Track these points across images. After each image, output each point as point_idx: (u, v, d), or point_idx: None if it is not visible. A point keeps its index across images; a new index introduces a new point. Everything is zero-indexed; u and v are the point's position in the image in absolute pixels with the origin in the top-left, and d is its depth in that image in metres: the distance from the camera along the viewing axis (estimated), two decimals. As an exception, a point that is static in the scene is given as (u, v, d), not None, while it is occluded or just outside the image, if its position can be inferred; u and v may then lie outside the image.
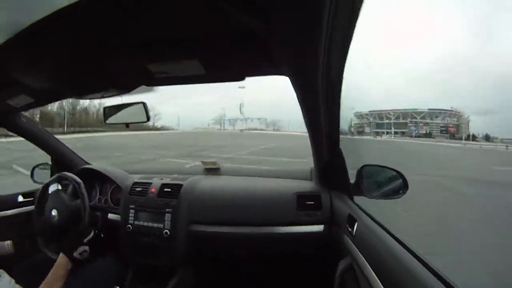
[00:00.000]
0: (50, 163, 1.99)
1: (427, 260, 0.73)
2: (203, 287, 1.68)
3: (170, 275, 1.51)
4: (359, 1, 0.52)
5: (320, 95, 0.86)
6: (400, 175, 1.28)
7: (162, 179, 1.65)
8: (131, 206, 1.56)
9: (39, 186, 1.63)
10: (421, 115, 79.17)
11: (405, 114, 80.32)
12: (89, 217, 1.45)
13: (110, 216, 1.66)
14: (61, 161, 1.95)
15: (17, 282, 1.05)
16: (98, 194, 1.78)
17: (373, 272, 0.84)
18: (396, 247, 0.84)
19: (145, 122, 1.31)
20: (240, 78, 1.00)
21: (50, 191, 1.53)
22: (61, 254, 1.27)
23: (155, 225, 1.48)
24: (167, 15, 0.65)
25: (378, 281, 0.80)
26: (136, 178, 1.70)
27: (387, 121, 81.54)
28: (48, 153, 1.94)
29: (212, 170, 1.92)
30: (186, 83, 1.06)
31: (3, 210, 1.68)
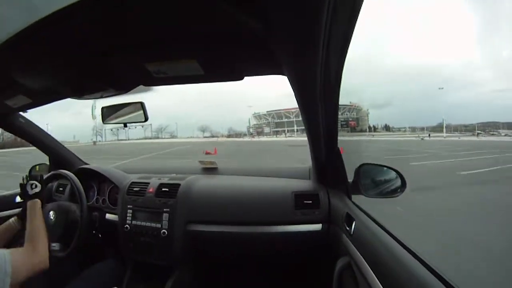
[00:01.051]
0: (48, 163, 1.98)
1: (425, 258, 0.74)
2: (201, 286, 1.68)
3: (168, 275, 1.51)
4: (358, 0, 0.52)
5: (318, 94, 0.86)
6: (398, 174, 1.28)
7: (159, 178, 1.65)
8: (128, 206, 1.55)
9: None
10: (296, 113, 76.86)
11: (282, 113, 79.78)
12: (86, 218, 1.45)
13: (108, 216, 1.66)
14: (59, 161, 1.95)
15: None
16: (96, 194, 1.78)
17: (371, 271, 0.85)
18: (394, 245, 0.84)
19: (143, 122, 1.31)
20: (239, 78, 1.00)
21: (47, 190, 1.52)
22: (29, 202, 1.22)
23: (153, 224, 1.48)
24: (165, 15, 0.65)
25: (376, 279, 0.80)
26: (134, 178, 1.70)
27: (286, 119, 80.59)
28: (46, 153, 1.93)
29: (210, 170, 1.92)
30: (184, 83, 1.07)
31: (0, 211, 1.68)
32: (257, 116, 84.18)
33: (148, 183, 1.61)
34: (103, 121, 1.39)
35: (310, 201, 1.43)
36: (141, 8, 0.61)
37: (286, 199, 1.45)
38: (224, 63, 0.92)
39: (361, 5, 0.52)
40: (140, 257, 1.54)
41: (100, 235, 1.63)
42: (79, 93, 1.19)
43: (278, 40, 0.65)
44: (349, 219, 1.14)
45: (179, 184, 1.56)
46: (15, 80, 1.00)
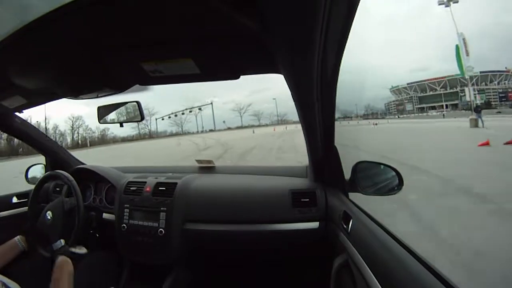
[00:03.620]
0: (45, 163, 1.98)
1: (422, 256, 0.74)
2: (198, 286, 1.68)
3: (166, 274, 1.51)
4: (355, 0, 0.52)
5: (315, 92, 0.86)
6: (395, 171, 1.28)
7: (156, 178, 1.65)
8: (125, 206, 1.55)
9: (33, 187, 1.61)
10: (473, 81, 60.49)
11: (453, 81, 65.04)
12: (83, 217, 1.45)
13: (105, 215, 1.66)
14: (56, 161, 1.95)
15: (15, 281, 1.04)
16: (92, 193, 1.78)
17: (368, 269, 0.85)
18: (392, 243, 0.85)
19: (139, 121, 1.30)
20: (235, 76, 1.00)
21: (44, 190, 1.52)
22: (60, 257, 1.23)
23: (150, 224, 1.48)
24: (161, 15, 0.65)
25: (374, 277, 0.81)
26: (131, 177, 1.70)
27: (431, 92, 67.58)
28: (42, 153, 1.93)
29: (207, 169, 1.92)
30: (180, 82, 1.06)
31: None
32: (396, 91, 71.49)
33: (145, 182, 1.61)
34: (99, 120, 1.38)
35: (307, 199, 1.43)
36: (137, 7, 0.61)
37: (283, 197, 1.45)
38: (220, 62, 0.92)
39: (358, 4, 0.52)
40: (137, 257, 1.53)
41: (97, 235, 1.62)
42: (75, 93, 1.18)
43: (274, 39, 0.65)
44: (347, 217, 1.14)
45: (176, 183, 1.56)
46: (10, 81, 0.99)
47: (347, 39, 0.62)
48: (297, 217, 1.41)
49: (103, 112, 1.37)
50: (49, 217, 1.44)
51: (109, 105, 1.35)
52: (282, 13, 0.52)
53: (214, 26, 0.72)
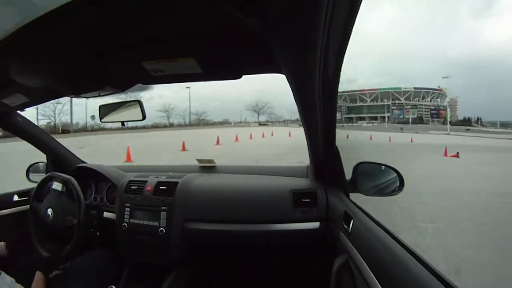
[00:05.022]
0: (46, 162, 1.98)
1: (422, 257, 0.74)
2: (199, 285, 1.68)
3: (166, 273, 1.51)
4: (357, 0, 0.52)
5: (316, 92, 0.86)
6: (396, 172, 1.28)
7: (157, 177, 1.65)
8: (126, 204, 1.55)
9: (35, 185, 1.62)
10: (406, 95, 66.34)
11: (385, 94, 67.38)
12: (84, 216, 1.45)
13: (106, 214, 1.66)
14: (57, 160, 1.95)
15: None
16: (93, 192, 1.78)
17: (369, 269, 0.85)
18: (392, 244, 0.85)
19: (140, 120, 1.31)
20: (237, 76, 1.00)
21: (46, 189, 1.52)
22: (37, 272, 1.32)
23: (151, 223, 1.48)
24: (163, 14, 0.65)
25: (374, 277, 0.81)
26: (132, 176, 1.70)
27: (361, 103, 68.53)
28: (43, 152, 1.93)
29: (208, 168, 1.92)
30: (182, 81, 1.07)
31: None
32: None
33: (146, 181, 1.61)
34: (100, 119, 1.39)
35: (308, 199, 1.43)
36: (139, 6, 0.61)
37: (284, 197, 1.45)
38: (222, 62, 0.92)
39: (360, 4, 0.52)
40: (137, 256, 1.54)
41: (98, 234, 1.63)
42: (77, 91, 1.18)
43: (276, 38, 0.65)
44: (347, 218, 1.14)
45: (177, 182, 1.56)
46: (12, 79, 0.99)
47: (349, 39, 0.62)
48: (297, 217, 1.41)
49: (104, 111, 1.37)
50: (49, 214, 1.45)
51: (111, 104, 1.36)
52: (284, 12, 0.52)
53: (215, 25, 0.72)
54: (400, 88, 67.23)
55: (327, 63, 0.70)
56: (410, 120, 63.80)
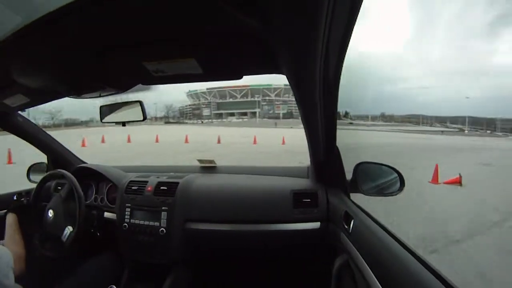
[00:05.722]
0: (47, 162, 1.98)
1: (423, 257, 0.74)
2: (199, 285, 1.68)
3: (166, 274, 1.51)
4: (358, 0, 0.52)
5: (317, 92, 0.86)
6: (397, 172, 1.29)
7: (158, 177, 1.65)
8: (127, 205, 1.56)
9: (35, 186, 1.62)
10: (276, 92, 69.14)
11: (255, 91, 69.58)
12: (84, 216, 1.45)
13: (106, 214, 1.66)
14: (57, 160, 1.95)
15: (15, 281, 1.05)
16: (94, 193, 1.78)
17: (369, 269, 0.85)
18: (392, 244, 0.85)
19: (141, 120, 1.31)
20: (238, 76, 1.00)
21: (46, 189, 1.53)
22: (8, 214, 1.40)
23: (151, 223, 1.49)
24: (164, 14, 0.65)
25: (374, 277, 0.81)
26: (132, 176, 1.70)
27: (231, 99, 69.98)
28: (44, 152, 1.93)
29: (209, 168, 1.92)
30: (183, 81, 1.07)
31: None
32: (193, 95, 73.08)
33: (147, 181, 1.61)
34: (101, 120, 1.39)
35: (309, 200, 1.43)
36: (140, 6, 0.61)
37: (285, 197, 1.45)
38: (222, 62, 0.92)
39: (361, 3, 0.52)
40: (138, 256, 1.54)
41: (98, 234, 1.63)
42: (78, 92, 1.18)
43: (277, 38, 0.65)
44: (348, 218, 1.15)
45: (177, 183, 1.56)
46: (13, 79, 0.99)
47: (350, 39, 0.62)
48: (298, 218, 1.41)
49: (105, 111, 1.38)
50: (50, 216, 1.45)
51: (112, 104, 1.36)
52: (284, 12, 0.52)
53: (216, 25, 0.72)
54: (271, 85, 69.45)
55: (327, 63, 0.71)
56: (281, 115, 66.16)
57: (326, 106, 0.98)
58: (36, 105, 1.42)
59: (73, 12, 0.58)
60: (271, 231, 1.41)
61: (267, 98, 70.29)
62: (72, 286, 1.39)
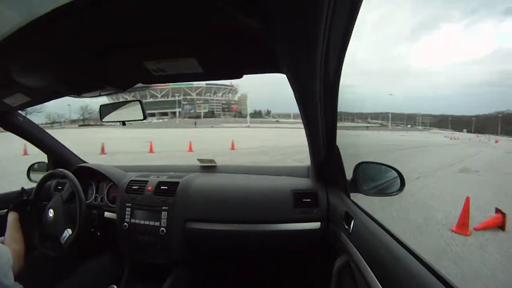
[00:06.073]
0: (47, 162, 1.98)
1: (423, 257, 0.74)
2: (199, 285, 1.68)
3: (167, 273, 1.51)
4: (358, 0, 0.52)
5: (317, 92, 0.86)
6: (397, 172, 1.28)
7: (158, 177, 1.65)
8: (127, 204, 1.56)
9: (35, 185, 1.62)
10: (198, 91, 69.12)
11: (176, 90, 69.14)
12: (84, 216, 1.45)
13: (107, 214, 1.66)
14: (58, 159, 1.95)
15: (15, 279, 1.06)
16: (94, 192, 1.78)
17: (369, 269, 0.85)
18: (393, 244, 0.85)
19: (141, 120, 1.31)
20: (238, 76, 1.00)
21: (46, 188, 1.53)
22: (10, 213, 1.40)
23: (152, 223, 1.49)
24: (165, 14, 0.64)
25: (375, 278, 0.81)
26: (133, 176, 1.70)
27: (151, 99, 68.78)
28: (44, 151, 1.93)
29: (209, 168, 1.92)
30: (183, 81, 1.06)
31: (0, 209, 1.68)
32: (113, 95, 70.68)
33: (147, 181, 1.61)
34: (101, 119, 1.39)
35: (309, 200, 1.43)
36: (140, 6, 0.61)
37: (285, 197, 1.45)
38: (223, 61, 0.92)
39: (361, 3, 0.52)
40: (138, 256, 1.54)
41: (98, 233, 1.63)
42: (78, 91, 1.18)
43: (277, 38, 0.65)
44: (348, 218, 1.14)
45: (178, 182, 1.56)
46: (13, 79, 0.99)
47: (350, 39, 0.62)
48: (298, 217, 1.41)
49: (105, 110, 1.38)
50: (51, 215, 1.45)
51: (112, 103, 1.36)
52: (284, 12, 0.52)
53: (217, 25, 0.71)
54: (192, 84, 67.97)
55: (328, 63, 0.70)
56: (202, 114, 66.02)
57: (326, 106, 0.97)
58: (36, 105, 1.43)
59: (73, 12, 0.58)
60: (271, 231, 1.41)
61: (188, 97, 69.97)
62: (72, 286, 1.39)
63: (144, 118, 1.30)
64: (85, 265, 1.51)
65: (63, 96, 1.29)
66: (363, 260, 0.91)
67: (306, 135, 1.27)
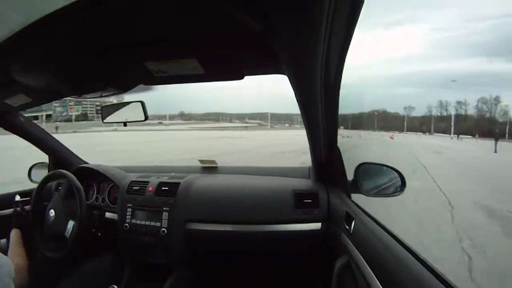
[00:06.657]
0: (48, 162, 1.98)
1: (424, 257, 0.74)
2: (200, 286, 1.68)
3: (167, 274, 1.51)
4: (359, 1, 0.52)
5: (318, 93, 0.86)
6: (398, 173, 1.28)
7: (159, 177, 1.65)
8: (128, 205, 1.56)
9: (35, 186, 1.62)
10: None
11: None
12: (85, 216, 1.45)
13: (108, 215, 1.66)
14: (59, 160, 1.95)
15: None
16: (95, 193, 1.78)
17: (370, 270, 0.85)
18: (394, 244, 0.85)
19: (143, 121, 1.31)
20: (239, 77, 1.00)
21: (47, 189, 1.53)
22: (13, 230, 1.39)
23: (152, 223, 1.49)
24: (166, 15, 0.65)
25: (375, 278, 0.81)
26: (134, 176, 1.70)
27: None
28: (45, 152, 1.93)
29: (210, 169, 1.92)
30: (185, 82, 1.07)
31: (0, 210, 1.68)
32: None
33: (148, 182, 1.61)
34: (103, 120, 1.39)
35: (310, 200, 1.43)
36: (142, 7, 0.61)
37: (286, 198, 1.45)
38: (224, 62, 0.92)
39: (362, 4, 0.52)
40: (139, 256, 1.54)
41: (99, 234, 1.63)
42: (79, 92, 1.19)
43: (278, 39, 0.65)
44: (349, 218, 1.14)
45: (179, 183, 1.56)
46: (15, 79, 0.99)
47: (351, 39, 0.62)
48: (299, 218, 1.41)
49: (107, 111, 1.38)
50: (52, 215, 1.45)
51: (113, 104, 1.36)
52: (285, 13, 0.52)
53: (218, 26, 0.72)
54: None
55: (328, 64, 0.70)
56: (73, 117, 62.97)
57: (327, 107, 0.98)
58: (37, 105, 1.43)
59: (73, 12, 0.58)
60: (272, 231, 1.41)
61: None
62: (73, 286, 1.39)
63: (146, 119, 1.30)
64: (86, 265, 1.51)
65: (64, 97, 1.29)
66: (364, 261, 0.91)
67: (307, 136, 1.27)
